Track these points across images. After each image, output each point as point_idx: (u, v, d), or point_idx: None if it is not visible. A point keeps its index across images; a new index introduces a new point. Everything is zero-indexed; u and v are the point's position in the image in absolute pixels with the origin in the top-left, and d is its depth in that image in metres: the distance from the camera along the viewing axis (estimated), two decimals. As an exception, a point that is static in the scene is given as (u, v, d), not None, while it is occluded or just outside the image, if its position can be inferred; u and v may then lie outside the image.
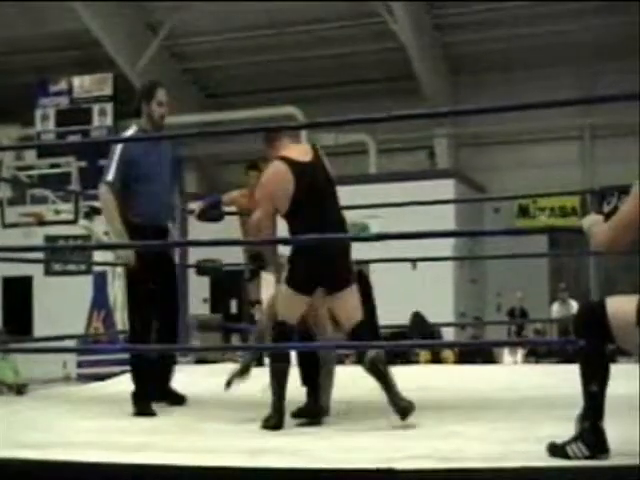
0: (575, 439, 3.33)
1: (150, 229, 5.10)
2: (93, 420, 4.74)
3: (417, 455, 3.50)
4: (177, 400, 5.26)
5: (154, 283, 5.08)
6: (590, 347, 3.34)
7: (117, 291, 14.54)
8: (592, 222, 3.42)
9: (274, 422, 4.33)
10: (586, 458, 3.29)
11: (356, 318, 4.52)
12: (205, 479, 3.38)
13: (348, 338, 4.58)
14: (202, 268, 8.45)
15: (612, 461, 3.26)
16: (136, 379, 5.04)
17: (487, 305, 17.11)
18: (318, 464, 3.37)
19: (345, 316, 4.54)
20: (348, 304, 4.53)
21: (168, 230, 5.37)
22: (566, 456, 3.30)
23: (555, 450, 3.35)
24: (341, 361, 9.10)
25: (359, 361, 4.47)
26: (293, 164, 4.52)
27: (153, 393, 5.10)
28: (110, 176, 5.02)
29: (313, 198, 4.47)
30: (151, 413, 4.89)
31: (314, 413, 4.56)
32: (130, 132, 5.29)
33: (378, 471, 3.18)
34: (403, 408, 4.27)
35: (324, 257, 4.47)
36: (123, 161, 5.05)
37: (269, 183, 4.56)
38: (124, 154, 5.05)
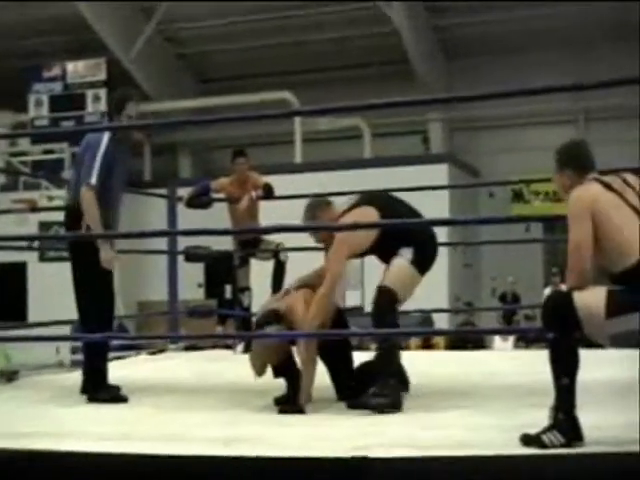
0: (550, 428, 3.32)
1: (107, 227, 5.17)
2: (70, 409, 4.74)
3: (394, 443, 3.50)
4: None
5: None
6: (559, 339, 3.33)
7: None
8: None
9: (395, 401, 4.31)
10: (562, 446, 3.29)
11: None
12: (179, 468, 3.37)
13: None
14: (190, 255, 8.42)
15: (588, 448, 3.27)
16: (99, 366, 5.05)
17: (482, 289, 17.11)
18: (292, 452, 3.36)
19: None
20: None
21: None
22: (542, 445, 3.30)
23: (529, 440, 3.34)
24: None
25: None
26: None
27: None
28: (94, 179, 5.05)
29: None
30: (123, 398, 4.93)
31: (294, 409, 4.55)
32: (105, 138, 5.22)
33: (352, 459, 3.17)
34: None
35: (435, 242, 4.69)
36: (104, 165, 5.07)
37: None
38: (105, 158, 5.08)
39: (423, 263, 4.57)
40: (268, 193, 7.37)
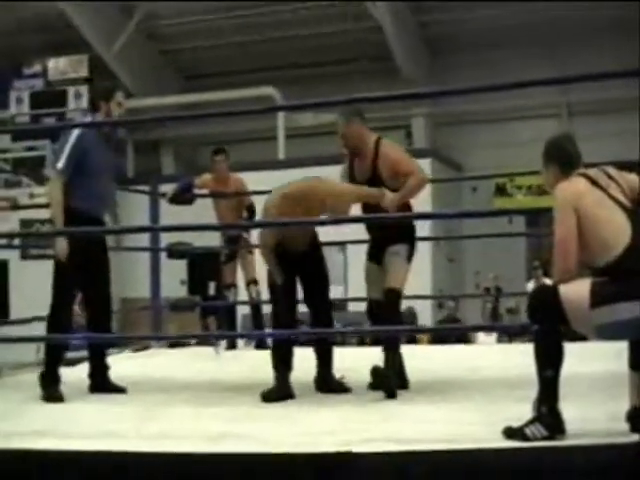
0: (533, 421, 3.34)
1: (91, 219, 5.06)
2: (53, 407, 4.73)
3: (378, 438, 3.50)
4: (117, 391, 5.17)
5: (86, 271, 5.05)
6: (544, 332, 3.34)
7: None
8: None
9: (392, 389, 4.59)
10: (544, 439, 3.30)
11: None
12: (165, 465, 3.37)
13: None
14: (172, 251, 8.41)
15: (570, 441, 3.28)
16: (49, 363, 5.03)
17: (465, 284, 17.13)
18: (278, 449, 3.36)
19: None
20: None
21: (104, 223, 5.29)
22: (525, 438, 3.31)
23: (512, 433, 3.35)
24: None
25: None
26: None
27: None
28: (61, 163, 4.96)
29: None
30: (60, 398, 4.89)
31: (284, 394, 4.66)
32: (77, 131, 5.10)
33: (337, 454, 3.17)
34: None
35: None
36: (76, 150, 4.98)
37: None
38: (78, 143, 4.99)
39: (412, 256, 5.01)
40: (251, 214, 7.50)
